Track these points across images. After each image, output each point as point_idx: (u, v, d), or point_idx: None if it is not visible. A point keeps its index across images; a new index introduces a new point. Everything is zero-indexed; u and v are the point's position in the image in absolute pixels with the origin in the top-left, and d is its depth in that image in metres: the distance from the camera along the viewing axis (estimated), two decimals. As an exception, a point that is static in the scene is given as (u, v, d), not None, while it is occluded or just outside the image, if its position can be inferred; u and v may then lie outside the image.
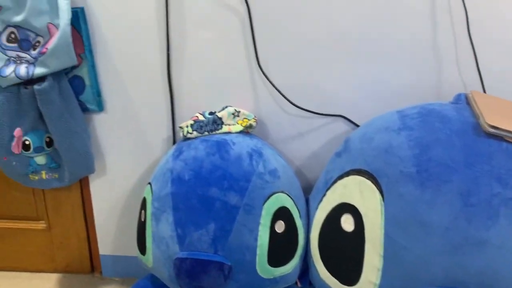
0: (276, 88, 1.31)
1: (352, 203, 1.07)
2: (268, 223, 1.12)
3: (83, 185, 1.53)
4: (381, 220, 1.01)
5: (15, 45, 1.24)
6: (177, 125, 1.39)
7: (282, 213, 1.14)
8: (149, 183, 1.25)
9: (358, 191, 1.06)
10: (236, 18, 1.27)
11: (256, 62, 1.30)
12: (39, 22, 1.21)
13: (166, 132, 1.41)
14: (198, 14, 1.27)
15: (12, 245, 1.64)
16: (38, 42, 1.24)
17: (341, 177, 1.12)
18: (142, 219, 1.23)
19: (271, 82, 1.31)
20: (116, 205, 1.53)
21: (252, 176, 1.13)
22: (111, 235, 1.58)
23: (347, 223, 1.07)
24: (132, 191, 1.49)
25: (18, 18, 1.20)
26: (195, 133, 1.25)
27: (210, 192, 1.10)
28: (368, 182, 1.04)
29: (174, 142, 1.41)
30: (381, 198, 1.01)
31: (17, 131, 1.31)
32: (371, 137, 1.11)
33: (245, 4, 1.24)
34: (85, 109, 1.38)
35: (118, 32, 1.30)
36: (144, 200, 1.25)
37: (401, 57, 1.26)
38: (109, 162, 1.47)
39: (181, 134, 1.28)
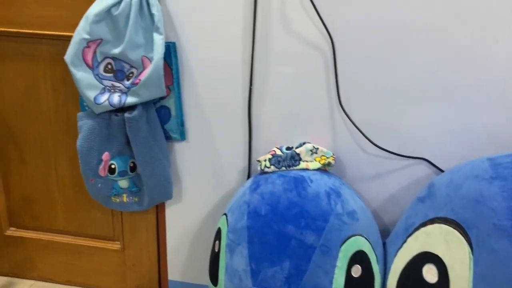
0: (356, 127, 1.30)
1: (436, 253, 1.01)
2: (345, 267, 1.08)
3: (159, 210, 1.58)
4: (469, 274, 0.94)
5: (111, 75, 1.33)
6: (253, 157, 1.41)
7: (359, 257, 1.10)
8: (225, 214, 1.27)
9: (443, 241, 1.01)
10: (320, 56, 1.28)
11: (337, 100, 1.30)
12: (134, 55, 1.29)
13: (242, 163, 1.43)
14: (283, 50, 1.29)
15: (88, 262, 1.72)
16: (132, 73, 1.33)
17: (424, 224, 1.07)
18: (216, 250, 1.24)
19: (351, 120, 1.30)
20: (189, 232, 1.56)
21: (329, 216, 1.11)
22: (182, 261, 1.60)
23: (430, 273, 1.01)
24: (205, 219, 1.52)
25: (116, 51, 1.29)
26: (272, 167, 1.26)
27: (287, 229, 1.10)
28: (456, 233, 0.98)
29: (249, 174, 1.43)
30: (470, 251, 0.95)
31: (105, 155, 1.39)
32: (458, 184, 1.05)
33: (330, 43, 1.25)
34: (168, 138, 1.44)
35: (205, 66, 1.36)
36: (219, 231, 1.26)
37: (488, 101, 1.21)
38: (185, 189, 1.51)
39: (258, 168, 1.29)
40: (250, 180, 1.30)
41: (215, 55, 1.34)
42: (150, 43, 1.29)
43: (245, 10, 1.28)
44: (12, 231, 1.74)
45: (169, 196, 1.47)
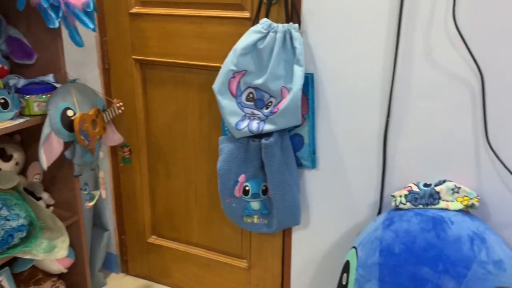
0: (506, 167, 1.19)
1: None
2: (488, 321, 0.99)
3: (286, 234, 1.62)
4: None
5: (252, 103, 1.42)
6: (386, 191, 1.37)
7: (506, 313, 1.00)
8: (354, 247, 1.25)
9: None
10: (466, 89, 1.21)
11: (484, 136, 1.21)
12: (275, 85, 1.36)
13: (374, 197, 1.40)
14: (424, 82, 1.25)
15: (217, 276, 1.82)
16: (271, 102, 1.40)
17: None
18: (344, 282, 1.23)
19: (500, 159, 1.19)
20: (314, 259, 1.56)
21: (472, 264, 1.02)
22: (305, 287, 1.61)
23: None
24: (332, 249, 1.52)
25: (258, 81, 1.38)
26: (408, 204, 1.21)
27: (422, 272, 1.04)
28: None
29: (380, 209, 1.39)
30: None
31: (242, 177, 1.47)
32: None
33: (479, 76, 1.18)
34: (299, 165, 1.48)
35: (341, 97, 1.37)
36: (347, 264, 1.25)
37: None
38: (313, 216, 1.53)
39: (392, 203, 1.25)
40: (383, 215, 1.27)
41: (353, 86, 1.35)
42: (290, 75, 1.35)
43: (387, 42, 1.27)
44: (153, 239, 1.93)
45: (297, 221, 1.50)
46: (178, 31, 1.57)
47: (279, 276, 1.68)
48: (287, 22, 1.36)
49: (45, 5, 1.26)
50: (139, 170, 1.82)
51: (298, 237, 1.58)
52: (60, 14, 1.30)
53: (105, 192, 1.64)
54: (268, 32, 1.33)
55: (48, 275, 1.60)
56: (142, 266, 1.99)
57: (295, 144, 1.46)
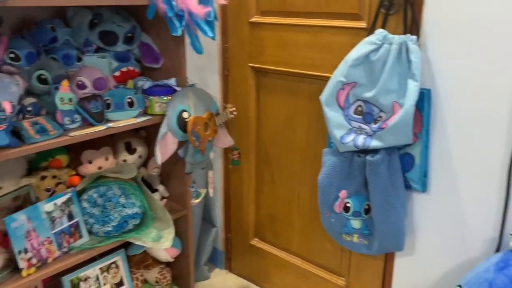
0: None
1: None
2: None
3: (388, 258, 1.51)
4: None
5: (360, 117, 1.35)
6: (507, 228, 1.20)
7: None
8: (459, 286, 1.12)
9: None
10: None
11: None
12: (385, 100, 1.28)
13: (491, 232, 1.23)
14: None
15: (312, 289, 1.79)
16: (380, 117, 1.32)
17: None
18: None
19: None
20: (416, 290, 1.44)
21: None
22: (404, 319, 1.50)
23: None
24: (435, 281, 1.38)
25: (368, 94, 1.31)
26: (531, 247, 1.04)
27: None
28: None
29: (498, 248, 1.21)
30: None
31: (343, 193, 1.42)
32: None
33: None
34: (408, 187, 1.37)
35: (461, 116, 1.24)
36: (449, 303, 1.12)
37: None
38: (419, 244, 1.41)
39: (511, 244, 1.09)
40: (498, 255, 1.11)
41: (477, 107, 1.20)
42: (403, 89, 1.26)
43: (520, 59, 1.10)
44: (255, 242, 1.97)
45: (400, 247, 1.40)
46: (293, 40, 1.58)
47: (377, 301, 1.59)
48: (405, 33, 1.27)
49: (170, 14, 1.37)
50: (247, 173, 1.88)
51: (401, 264, 1.47)
52: (183, 23, 1.40)
53: (213, 191, 1.72)
54: (383, 44, 1.26)
55: (157, 261, 1.74)
56: (244, 266, 2.05)
57: (405, 164, 1.36)
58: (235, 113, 1.62)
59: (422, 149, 1.32)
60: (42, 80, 1.33)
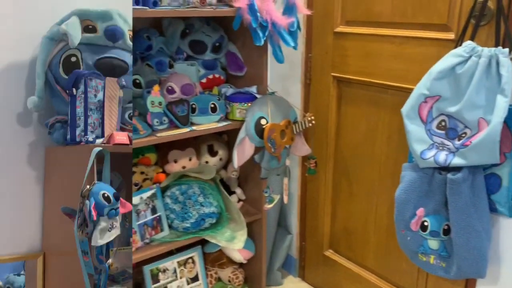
0: None
1: None
2: None
3: (469, 284, 1.41)
4: None
5: (443, 132, 1.29)
6: None
7: None
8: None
9: None
10: None
11: None
12: (471, 115, 1.21)
13: None
14: None
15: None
16: (465, 133, 1.25)
17: None
18: None
19: None
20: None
21: None
22: None
23: None
24: (522, 318, 1.26)
25: (452, 109, 1.24)
26: None
27: None
28: None
29: None
30: None
31: (420, 211, 1.36)
32: None
33: None
34: (493, 210, 1.27)
35: (559, 138, 1.12)
36: None
37: None
38: (505, 273, 1.29)
39: None
40: None
41: None
42: (491, 105, 1.17)
43: None
44: (330, 253, 1.95)
45: (481, 274, 1.30)
46: (377, 50, 1.55)
47: (454, 329, 1.49)
48: (496, 46, 1.19)
49: (254, 25, 1.43)
50: (324, 183, 1.87)
51: (484, 293, 1.37)
52: (266, 33, 1.45)
53: (287, 198, 1.74)
54: (471, 56, 1.19)
55: (231, 261, 1.80)
56: (317, 276, 2.04)
57: (490, 185, 1.26)
58: (313, 122, 1.63)
59: (511, 170, 1.21)
60: (136, 84, 1.47)
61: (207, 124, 1.53)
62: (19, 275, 2.76)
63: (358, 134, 1.70)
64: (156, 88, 1.44)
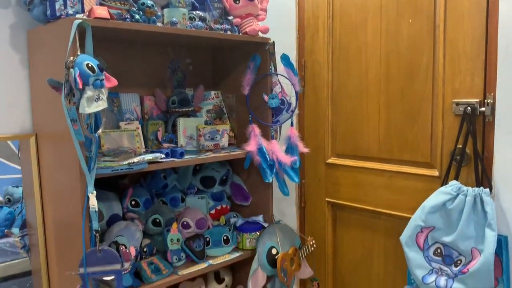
0: None
1: None
2: None
3: None
4: None
5: (440, 258, 1.46)
6: None
7: None
8: None
9: None
10: None
11: None
12: (464, 245, 1.39)
13: None
14: None
15: None
16: (460, 260, 1.42)
17: None
18: None
19: None
20: None
21: None
22: None
23: None
24: None
25: (447, 239, 1.43)
26: None
27: None
28: None
29: None
30: None
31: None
32: None
33: None
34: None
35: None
36: None
37: None
38: None
39: None
40: None
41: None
42: (481, 236, 1.36)
43: None
44: None
45: None
46: (367, 181, 1.75)
47: None
48: (477, 184, 1.41)
49: (264, 165, 1.60)
50: (324, 302, 1.96)
51: None
52: (274, 171, 1.62)
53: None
54: (458, 195, 1.40)
55: None
56: None
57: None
58: (315, 246, 1.76)
59: (504, 292, 1.38)
60: (156, 223, 1.55)
61: (221, 256, 1.62)
62: (17, 187, 2.55)
63: (355, 255, 1.84)
64: (174, 226, 1.53)
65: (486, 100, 1.41)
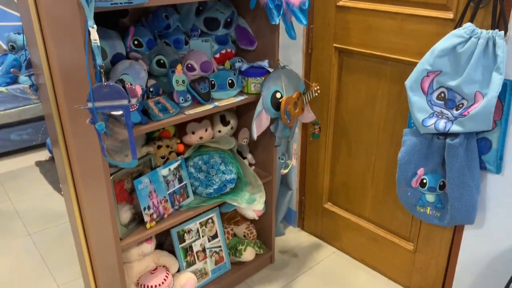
0: None
1: None
2: None
3: (457, 229, 1.67)
4: None
5: (442, 102, 1.47)
6: None
7: None
8: None
9: None
10: None
11: None
12: (468, 89, 1.39)
13: (562, 213, 1.35)
14: None
15: (382, 251, 1.99)
16: (462, 104, 1.44)
17: None
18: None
19: None
20: (482, 259, 1.59)
21: None
22: (468, 282, 1.66)
23: None
24: (502, 253, 1.52)
25: (452, 83, 1.42)
26: None
27: None
28: None
29: None
30: None
31: (420, 170, 1.57)
32: None
33: None
34: (483, 167, 1.49)
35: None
36: (516, 274, 1.28)
37: None
38: (489, 219, 1.54)
39: None
40: None
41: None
42: (487, 80, 1.36)
43: None
44: (328, 205, 2.17)
45: (470, 221, 1.54)
46: (378, 25, 1.68)
47: (443, 266, 1.76)
48: (493, 28, 1.35)
49: (271, 5, 1.52)
50: (324, 145, 2.05)
51: (469, 235, 1.62)
52: (281, 12, 1.55)
53: (296, 161, 1.91)
54: (470, 37, 1.35)
55: (244, 218, 1.99)
56: (316, 226, 2.27)
57: (482, 147, 1.48)
58: (319, 91, 1.78)
59: (500, 135, 1.43)
60: (160, 64, 1.54)
61: (226, 99, 1.64)
62: (19, 33, 2.87)
63: (358, 101, 1.87)
64: (179, 67, 1.52)
65: None
